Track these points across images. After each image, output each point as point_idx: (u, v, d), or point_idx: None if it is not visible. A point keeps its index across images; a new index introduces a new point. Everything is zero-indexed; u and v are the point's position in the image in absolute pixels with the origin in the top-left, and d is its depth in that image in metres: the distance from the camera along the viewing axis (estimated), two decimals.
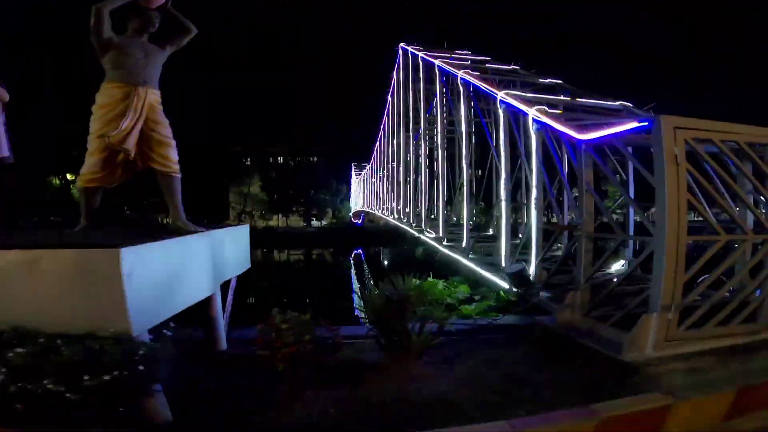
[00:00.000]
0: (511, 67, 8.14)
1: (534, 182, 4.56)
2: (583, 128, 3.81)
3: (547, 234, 5.06)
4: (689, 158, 3.07)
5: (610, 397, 2.61)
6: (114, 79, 3.44)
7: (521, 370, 3.19)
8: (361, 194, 47.55)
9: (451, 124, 11.31)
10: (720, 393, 2.57)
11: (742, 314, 3.13)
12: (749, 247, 3.19)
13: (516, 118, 5.87)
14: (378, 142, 23.01)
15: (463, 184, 7.07)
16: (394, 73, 15.57)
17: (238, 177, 55.87)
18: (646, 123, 2.97)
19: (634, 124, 3.09)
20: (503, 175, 5.37)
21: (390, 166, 19.84)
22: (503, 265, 5.37)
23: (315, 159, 64.16)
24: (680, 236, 2.91)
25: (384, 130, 20.04)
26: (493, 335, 3.94)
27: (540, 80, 6.84)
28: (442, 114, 9.41)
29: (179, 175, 3.61)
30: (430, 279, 5.42)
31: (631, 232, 4.78)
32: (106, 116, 3.37)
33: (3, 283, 2.20)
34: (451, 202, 12.52)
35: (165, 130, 3.57)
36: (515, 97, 4.94)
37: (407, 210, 16.12)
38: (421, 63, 10.71)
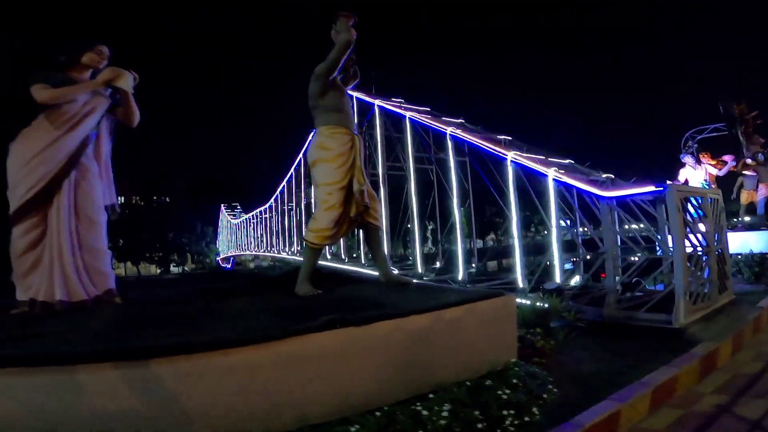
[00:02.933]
0: (459, 120, 10.18)
1: (553, 223, 6.46)
2: (598, 187, 5.85)
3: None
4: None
5: (683, 347, 4.40)
6: (340, 124, 3.34)
7: (614, 347, 4.78)
8: (243, 237, 45.20)
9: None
10: (725, 340, 4.60)
11: (704, 295, 5.43)
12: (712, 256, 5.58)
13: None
14: (286, 183, 23.43)
15: (455, 223, 8.71)
16: None
17: None
18: (662, 188, 5.06)
19: (652, 188, 5.18)
20: (514, 219, 7.20)
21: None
22: (521, 286, 7.07)
23: (167, 199, 58.08)
24: (684, 252, 5.04)
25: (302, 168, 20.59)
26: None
27: (496, 136, 8.96)
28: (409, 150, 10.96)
29: None
30: None
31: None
32: (344, 165, 3.24)
33: (423, 343, 2.31)
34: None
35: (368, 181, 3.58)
36: (527, 158, 6.85)
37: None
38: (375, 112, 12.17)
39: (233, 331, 1.90)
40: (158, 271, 51.32)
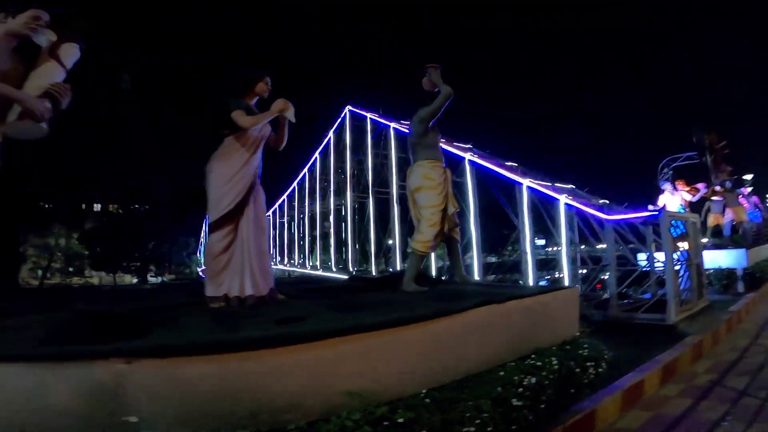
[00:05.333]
0: (469, 145, 11.33)
1: (563, 240, 7.66)
2: (602, 211, 7.10)
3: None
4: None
5: (676, 339, 5.57)
6: (438, 159, 4.16)
7: (622, 339, 5.87)
8: None
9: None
10: (708, 335, 5.83)
11: (687, 300, 6.71)
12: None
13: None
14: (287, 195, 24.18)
15: (471, 239, 9.83)
16: (331, 132, 17.84)
17: (38, 226, 45.23)
18: (657, 213, 6.33)
19: (648, 213, 6.44)
20: (528, 236, 8.38)
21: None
22: None
23: (147, 207, 57.02)
24: (672, 264, 6.31)
25: (305, 183, 21.48)
26: None
27: (506, 162, 10.22)
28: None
29: None
30: None
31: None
32: (443, 192, 4.09)
33: (528, 318, 3.23)
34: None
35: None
36: (541, 185, 8.08)
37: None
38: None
39: (428, 309, 2.83)
40: (134, 281, 50.30)
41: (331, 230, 18.52)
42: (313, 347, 2.17)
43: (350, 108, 16.09)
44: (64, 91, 2.67)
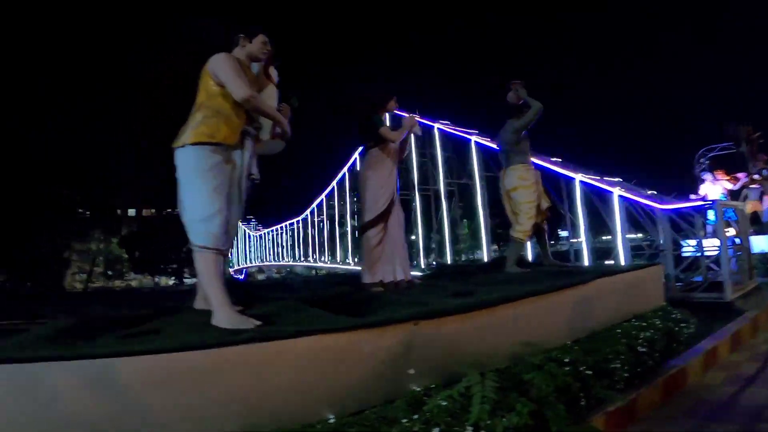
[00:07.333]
0: None
1: (619, 229, 8.36)
2: (655, 201, 7.79)
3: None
4: None
5: (734, 314, 6.23)
6: (530, 163, 4.85)
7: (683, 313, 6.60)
8: (261, 249, 46.62)
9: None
10: (762, 311, 6.47)
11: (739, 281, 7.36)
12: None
13: None
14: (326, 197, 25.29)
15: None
16: None
17: (80, 231, 47.38)
18: (711, 202, 7.00)
19: (701, 203, 7.11)
20: (583, 227, 9.10)
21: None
22: None
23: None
24: (726, 248, 6.98)
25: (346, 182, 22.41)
26: None
27: (551, 158, 10.90)
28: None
29: None
30: None
31: None
32: (537, 191, 4.78)
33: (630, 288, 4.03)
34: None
35: None
36: (592, 179, 8.79)
37: None
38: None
39: (553, 283, 3.64)
40: (170, 282, 52.23)
41: None
42: (502, 309, 2.97)
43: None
44: (288, 111, 3.03)
